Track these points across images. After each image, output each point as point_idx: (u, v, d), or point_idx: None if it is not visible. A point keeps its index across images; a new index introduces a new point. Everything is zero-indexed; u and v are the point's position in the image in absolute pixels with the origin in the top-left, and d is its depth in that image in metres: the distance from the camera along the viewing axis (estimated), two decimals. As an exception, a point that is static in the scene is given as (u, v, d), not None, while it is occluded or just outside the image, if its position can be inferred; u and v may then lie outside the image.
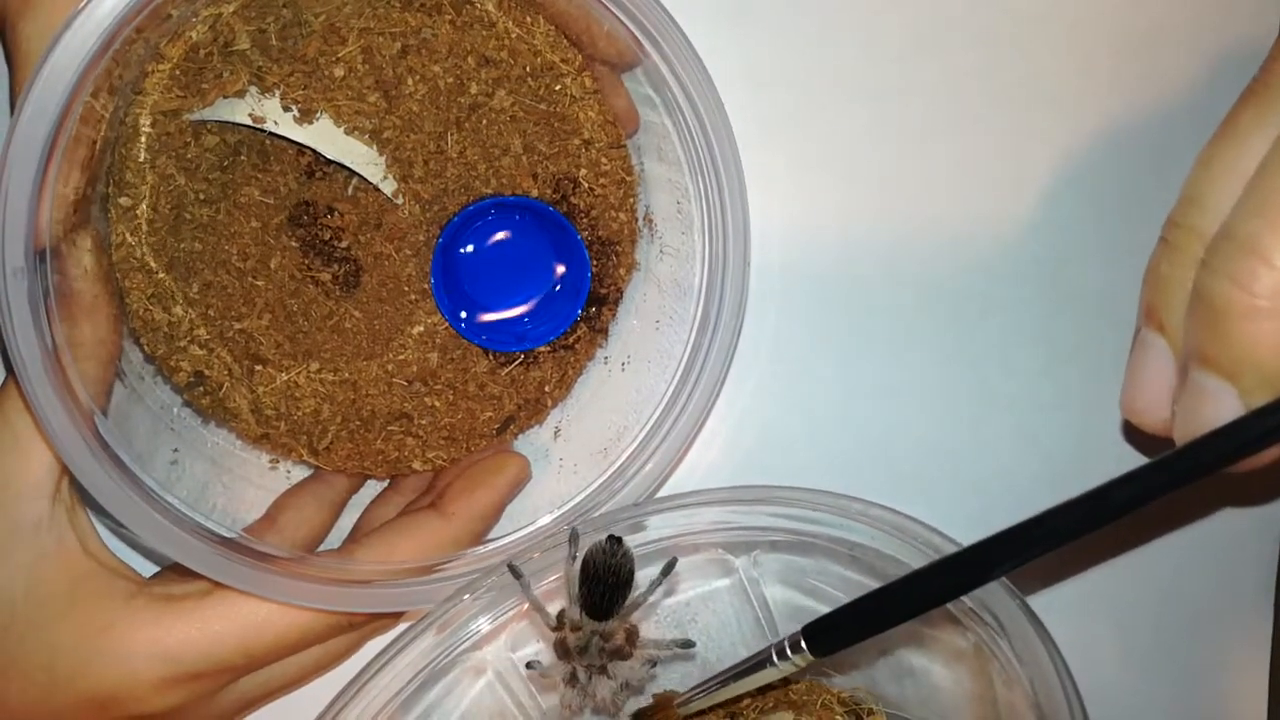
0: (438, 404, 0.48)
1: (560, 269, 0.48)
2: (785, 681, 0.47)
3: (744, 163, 0.43)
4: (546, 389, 0.49)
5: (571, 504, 0.45)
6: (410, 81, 0.44)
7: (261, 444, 0.48)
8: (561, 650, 0.42)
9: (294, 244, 0.46)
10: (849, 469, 0.52)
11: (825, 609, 0.37)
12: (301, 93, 0.44)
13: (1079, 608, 0.53)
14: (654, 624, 0.48)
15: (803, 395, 0.52)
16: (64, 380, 0.39)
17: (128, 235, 0.45)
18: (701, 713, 0.44)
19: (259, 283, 0.46)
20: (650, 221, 0.48)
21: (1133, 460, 0.52)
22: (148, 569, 0.46)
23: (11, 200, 0.38)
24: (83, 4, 0.38)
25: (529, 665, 0.43)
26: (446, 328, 0.47)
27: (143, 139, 0.44)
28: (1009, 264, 0.52)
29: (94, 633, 0.41)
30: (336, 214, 0.46)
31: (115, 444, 0.40)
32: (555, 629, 0.42)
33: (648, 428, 0.45)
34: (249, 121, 0.44)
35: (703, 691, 0.41)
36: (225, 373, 0.46)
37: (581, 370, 0.50)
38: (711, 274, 0.44)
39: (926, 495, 0.52)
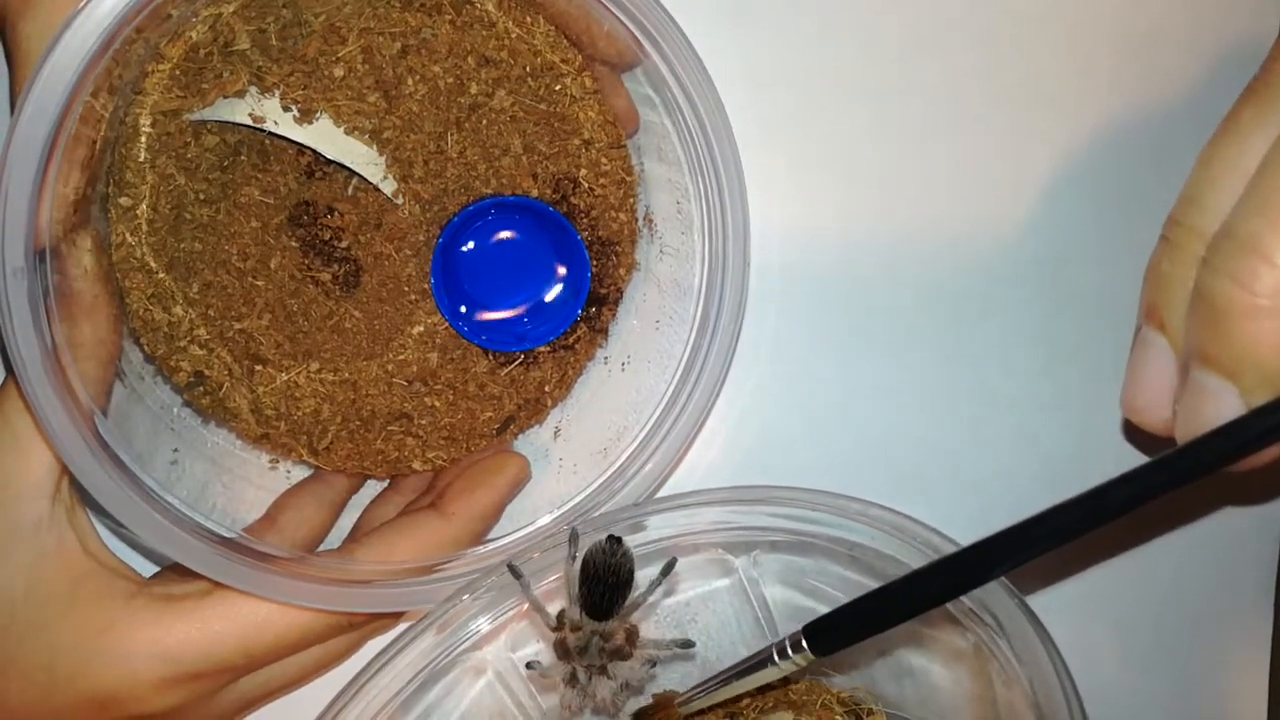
0: (438, 404, 0.48)
1: (560, 269, 0.48)
2: (785, 681, 0.47)
3: (744, 163, 0.43)
4: (546, 389, 0.49)
5: (571, 504, 0.45)
6: (410, 81, 0.44)
7: (261, 444, 0.48)
8: (561, 650, 0.42)
9: (294, 244, 0.46)
10: (849, 469, 0.52)
11: (825, 609, 0.37)
12: (301, 93, 0.44)
13: (1078, 608, 0.53)
14: (654, 624, 0.48)
15: (803, 395, 0.52)
16: (64, 380, 0.39)
17: (128, 235, 0.45)
18: (701, 712, 0.44)
19: (259, 283, 0.46)
20: (650, 221, 0.48)
21: (1133, 460, 0.52)
22: (148, 569, 0.46)
23: (11, 200, 0.38)
24: (83, 4, 0.38)
25: (529, 665, 0.43)
26: (446, 328, 0.47)
27: (143, 139, 0.44)
28: (1009, 264, 0.51)
29: (94, 633, 0.41)
30: (336, 214, 0.46)
31: (115, 444, 0.40)
32: (555, 629, 0.42)
33: (648, 428, 0.45)
34: (249, 121, 0.44)
35: (703, 690, 0.41)
36: (225, 373, 0.46)
37: (581, 370, 0.50)
38: (711, 274, 0.44)
39: (926, 495, 0.52)
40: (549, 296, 0.48)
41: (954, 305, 0.52)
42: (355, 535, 0.47)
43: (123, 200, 0.44)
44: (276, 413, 0.47)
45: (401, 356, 0.47)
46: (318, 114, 0.44)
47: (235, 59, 0.44)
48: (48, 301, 0.39)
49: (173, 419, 0.47)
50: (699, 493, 0.45)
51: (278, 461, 0.49)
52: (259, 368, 0.46)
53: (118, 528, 0.45)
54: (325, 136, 0.44)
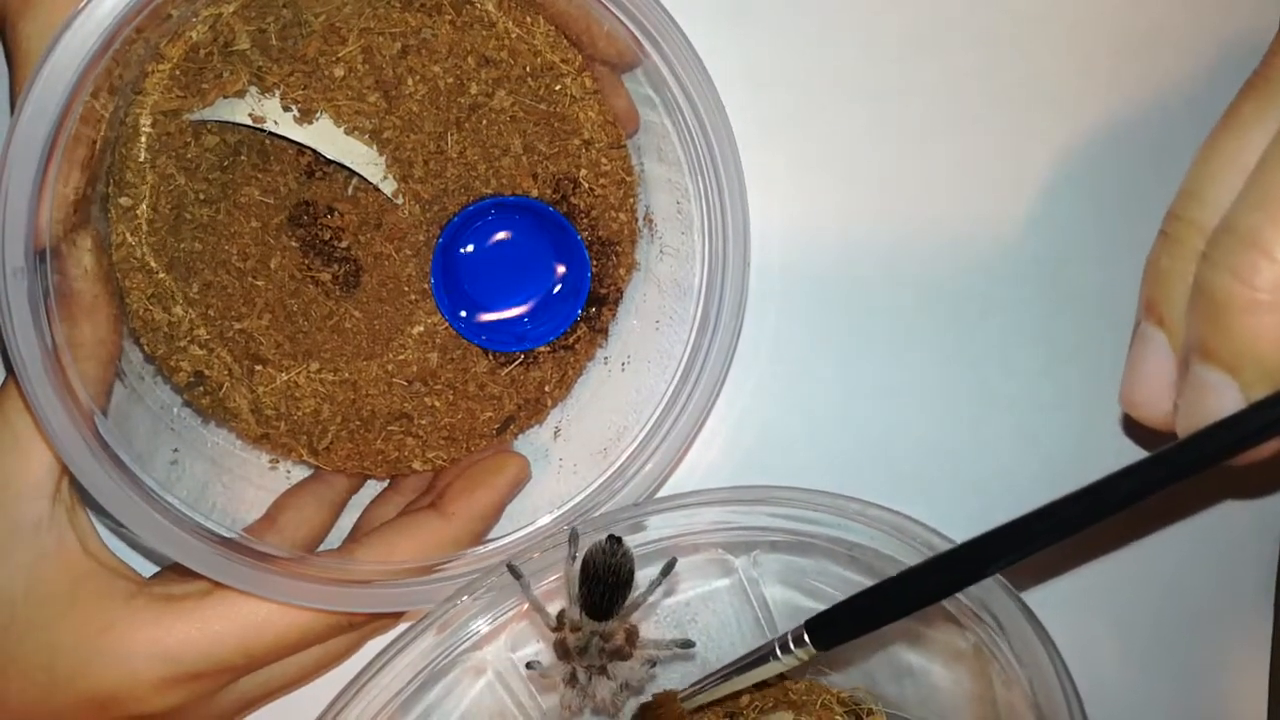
0: (438, 404, 0.48)
1: (560, 269, 0.48)
2: (784, 679, 0.47)
3: (744, 163, 0.43)
4: (546, 389, 0.49)
5: (571, 504, 0.45)
6: (410, 81, 0.45)
7: (261, 444, 0.48)
8: (561, 650, 0.42)
9: (294, 244, 0.46)
10: (849, 469, 0.52)
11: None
12: (301, 93, 0.44)
13: (1078, 605, 0.53)
14: (654, 624, 0.48)
15: (803, 395, 0.52)
16: (64, 380, 0.39)
17: (128, 235, 0.45)
18: (701, 709, 0.44)
19: (259, 283, 0.46)
20: (650, 221, 0.48)
21: (1133, 459, 0.52)
22: (148, 569, 0.46)
23: (11, 200, 0.38)
24: (83, 4, 0.38)
25: (529, 665, 0.43)
26: (446, 328, 0.47)
27: (143, 139, 0.44)
28: (1009, 264, 0.52)
29: (94, 633, 0.41)
30: (336, 214, 0.46)
31: (115, 444, 0.40)
32: (555, 629, 0.42)
33: (648, 428, 0.45)
34: (249, 121, 0.44)
35: (706, 684, 0.41)
36: (225, 373, 0.46)
37: (581, 370, 0.50)
38: (711, 274, 0.44)
39: (926, 495, 0.52)
40: (549, 297, 0.48)
41: (954, 305, 0.52)
42: (355, 535, 0.47)
43: (123, 200, 0.44)
44: (276, 413, 0.47)
45: (401, 356, 0.47)
46: (318, 114, 0.44)
47: (235, 59, 0.44)
48: (48, 301, 0.39)
49: (173, 419, 0.47)
50: (699, 493, 0.45)
51: (278, 461, 0.49)
52: (259, 368, 0.46)
53: (118, 528, 0.45)
54: (325, 136, 0.44)
